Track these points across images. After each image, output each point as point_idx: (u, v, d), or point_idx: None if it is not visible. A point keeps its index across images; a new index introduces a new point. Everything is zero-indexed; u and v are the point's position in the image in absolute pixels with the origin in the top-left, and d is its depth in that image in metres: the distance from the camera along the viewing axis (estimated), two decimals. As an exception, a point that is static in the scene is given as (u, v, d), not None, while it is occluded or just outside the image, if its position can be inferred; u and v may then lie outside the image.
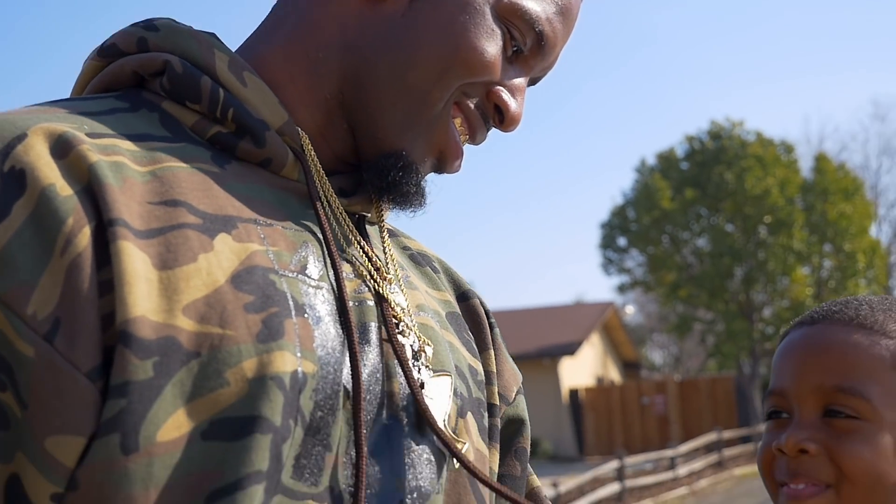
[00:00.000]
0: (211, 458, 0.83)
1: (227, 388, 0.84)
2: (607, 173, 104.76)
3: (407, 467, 0.98)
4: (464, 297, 1.28)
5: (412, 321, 1.06)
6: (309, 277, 0.95)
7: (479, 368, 1.20)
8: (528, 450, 1.29)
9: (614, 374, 38.31)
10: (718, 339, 33.65)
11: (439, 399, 1.04)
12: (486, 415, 1.16)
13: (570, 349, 32.17)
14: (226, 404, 0.84)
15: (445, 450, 1.00)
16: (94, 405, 0.81)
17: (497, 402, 1.21)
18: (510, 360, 1.31)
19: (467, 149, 1.12)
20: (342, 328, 0.95)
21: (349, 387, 0.94)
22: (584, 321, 34.66)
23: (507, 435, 1.25)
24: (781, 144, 33.24)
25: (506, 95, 1.07)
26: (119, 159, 0.89)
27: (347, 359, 0.94)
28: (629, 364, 41.07)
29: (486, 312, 1.29)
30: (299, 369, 0.88)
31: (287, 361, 0.87)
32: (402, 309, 1.05)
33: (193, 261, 0.87)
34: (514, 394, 1.28)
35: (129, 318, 0.81)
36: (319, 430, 0.91)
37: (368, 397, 0.96)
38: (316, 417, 0.90)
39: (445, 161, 1.10)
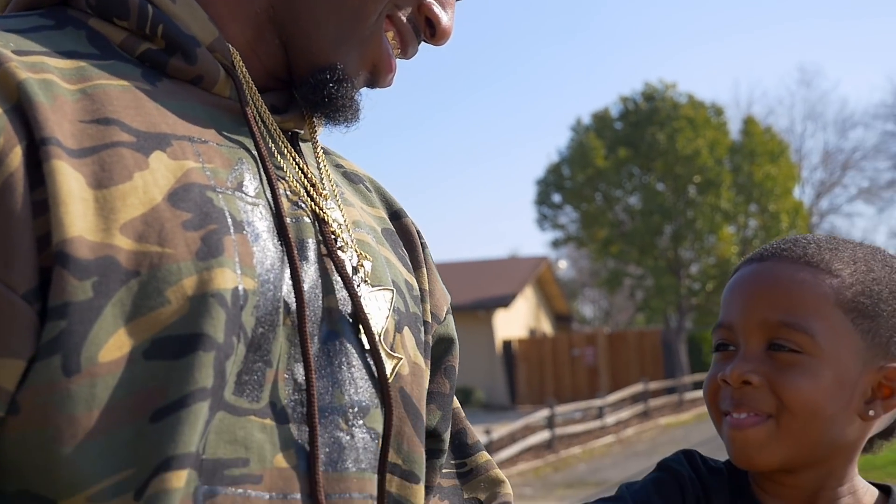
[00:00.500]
0: (154, 377, 0.81)
1: (167, 306, 0.82)
2: (544, 132, 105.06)
3: (347, 382, 0.97)
4: (396, 215, 1.26)
5: (350, 237, 1.04)
6: (245, 194, 0.93)
7: (415, 284, 1.18)
8: (457, 368, 1.28)
9: (546, 327, 38.64)
10: (647, 294, 34.10)
11: (377, 314, 1.02)
12: (422, 329, 1.15)
13: (505, 302, 32.34)
14: (167, 323, 0.82)
15: (376, 363, 0.99)
16: (32, 328, 0.78)
17: (429, 319, 1.20)
18: (440, 280, 1.29)
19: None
20: (281, 244, 0.93)
21: (290, 303, 0.92)
22: (519, 275, 34.84)
23: (437, 353, 1.23)
24: (712, 107, 33.51)
25: (437, 8, 1.04)
26: (48, 77, 0.85)
27: (287, 275, 0.92)
28: (561, 317, 41.44)
29: (418, 232, 1.28)
30: (240, 286, 0.86)
31: (227, 278, 0.85)
32: (340, 225, 1.03)
33: (129, 179, 0.84)
34: (444, 313, 1.26)
35: (65, 238, 0.78)
36: (260, 346, 0.89)
37: (308, 313, 0.94)
38: (257, 334, 0.88)
39: (379, 75, 1.07)
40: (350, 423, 0.96)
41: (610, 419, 22.50)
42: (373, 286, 1.03)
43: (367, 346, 0.99)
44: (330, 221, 1.01)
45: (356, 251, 1.03)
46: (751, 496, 1.25)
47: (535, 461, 18.15)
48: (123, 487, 0.79)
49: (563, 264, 48.44)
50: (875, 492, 1.24)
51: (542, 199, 35.16)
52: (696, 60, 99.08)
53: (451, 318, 1.29)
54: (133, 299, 0.81)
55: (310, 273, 0.96)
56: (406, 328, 1.09)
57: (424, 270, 1.24)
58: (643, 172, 33.12)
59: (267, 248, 0.91)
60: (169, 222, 0.84)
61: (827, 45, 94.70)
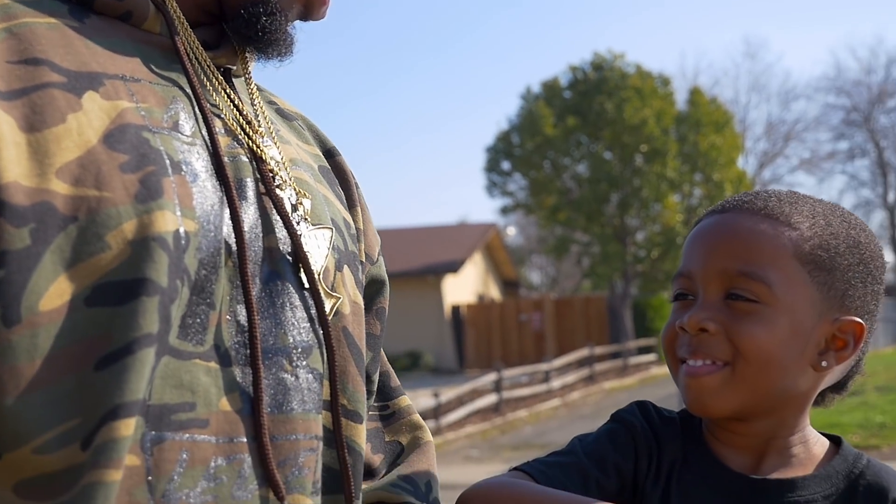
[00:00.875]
0: (97, 324, 0.79)
1: (108, 251, 0.79)
2: (494, 100, 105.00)
3: (290, 323, 0.95)
4: (330, 153, 1.24)
5: (288, 175, 1.02)
6: (182, 134, 0.90)
7: (353, 222, 1.17)
8: (387, 310, 1.27)
9: (494, 292, 38.82)
10: (593, 261, 34.32)
11: (317, 253, 1.01)
12: (360, 268, 1.15)
13: (454, 267, 32.40)
14: (108, 268, 0.79)
15: (316, 303, 0.97)
16: None
17: (363, 259, 1.19)
18: (372, 221, 1.27)
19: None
20: (220, 184, 0.91)
21: (231, 244, 0.90)
22: (468, 241, 34.91)
23: (369, 294, 1.22)
24: (659, 77, 33.64)
25: None
26: None
27: (227, 216, 0.90)
28: (509, 283, 41.66)
29: (351, 171, 1.25)
30: (181, 228, 0.84)
31: (168, 221, 0.83)
32: (277, 162, 1.01)
33: (62, 122, 0.81)
34: (377, 254, 1.25)
35: None
36: (204, 288, 0.87)
37: (249, 253, 0.92)
38: (200, 276, 0.86)
39: (312, 7, 1.05)
40: (294, 365, 0.94)
41: (556, 383, 22.72)
42: (312, 225, 1.02)
43: (307, 286, 0.97)
44: (267, 159, 0.99)
45: (295, 189, 1.01)
46: (703, 445, 1.25)
47: (483, 424, 18.28)
48: (69, 438, 0.77)
49: (511, 231, 48.64)
50: (826, 442, 1.26)
51: (492, 167, 35.15)
52: (644, 31, 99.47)
53: (382, 259, 1.27)
54: (72, 245, 0.79)
55: (249, 213, 0.94)
56: (346, 267, 1.08)
57: (359, 209, 1.22)
58: (591, 141, 33.21)
59: (206, 189, 0.89)
60: (106, 165, 0.81)
61: (772, 18, 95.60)
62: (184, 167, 0.87)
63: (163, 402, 0.82)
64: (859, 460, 1.22)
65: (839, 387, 1.28)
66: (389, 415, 1.25)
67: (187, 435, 0.84)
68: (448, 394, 18.41)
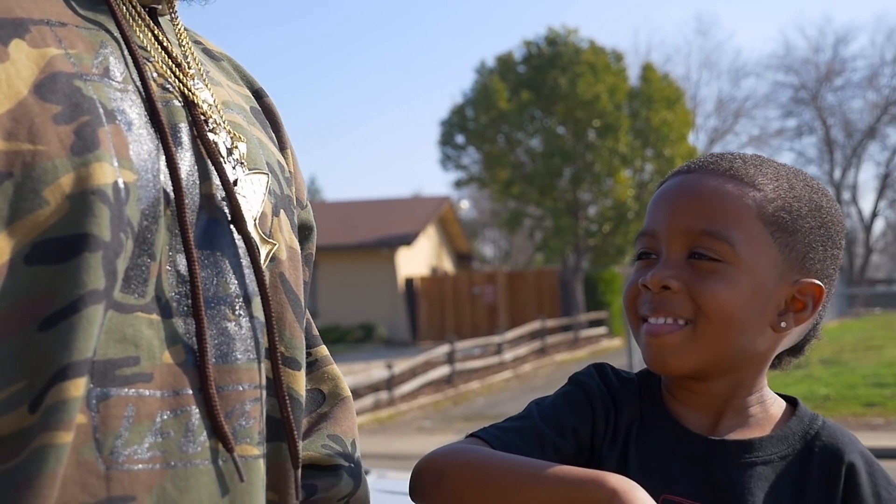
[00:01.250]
0: (39, 283, 0.76)
1: (46, 207, 0.76)
2: (450, 74, 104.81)
3: (230, 271, 0.92)
4: (258, 94, 1.20)
5: (221, 118, 0.98)
6: (113, 80, 0.86)
7: (286, 165, 1.14)
8: (314, 257, 1.25)
9: (448, 265, 38.86)
10: (546, 235, 34.49)
11: (253, 197, 0.98)
12: (295, 212, 1.12)
13: (407, 240, 32.36)
14: (47, 225, 0.76)
15: (249, 250, 0.94)
16: None
17: (295, 203, 1.16)
18: (299, 164, 1.24)
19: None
20: (155, 132, 0.87)
21: (169, 192, 0.87)
22: (422, 214, 34.87)
23: (298, 240, 1.18)
24: (612, 53, 33.71)
25: None
26: None
27: (163, 164, 0.87)
28: (462, 256, 41.72)
29: (278, 112, 1.22)
30: (119, 180, 0.81)
31: (107, 173, 0.79)
32: (210, 105, 0.98)
33: None
34: (305, 199, 1.22)
35: None
36: (145, 239, 0.84)
37: (187, 201, 0.89)
38: (143, 227, 0.84)
39: None
40: (237, 313, 0.91)
41: (508, 355, 22.83)
42: (249, 169, 0.99)
43: (246, 232, 0.94)
44: (199, 103, 0.95)
45: (229, 132, 0.98)
46: (662, 405, 1.26)
47: (436, 395, 18.32)
48: (16, 401, 0.74)
49: (465, 204, 48.62)
50: (783, 403, 1.27)
51: (446, 140, 35.07)
52: (597, 7, 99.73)
53: (310, 205, 1.24)
54: (8, 203, 0.75)
55: (186, 160, 0.91)
56: (282, 211, 1.05)
57: (289, 152, 1.20)
58: (545, 115, 33.25)
59: (141, 137, 0.85)
60: (38, 117, 0.78)
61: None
62: (118, 116, 0.84)
63: (107, 357, 0.80)
64: (815, 421, 1.23)
65: (796, 350, 1.29)
66: (311, 362, 1.23)
67: (132, 390, 0.81)
68: (401, 365, 18.47)
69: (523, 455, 1.14)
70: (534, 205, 34.07)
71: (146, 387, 0.82)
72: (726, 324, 1.15)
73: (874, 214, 50.56)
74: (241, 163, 0.98)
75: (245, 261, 0.94)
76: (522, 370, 22.33)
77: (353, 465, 1.17)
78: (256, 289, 0.94)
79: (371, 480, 3.10)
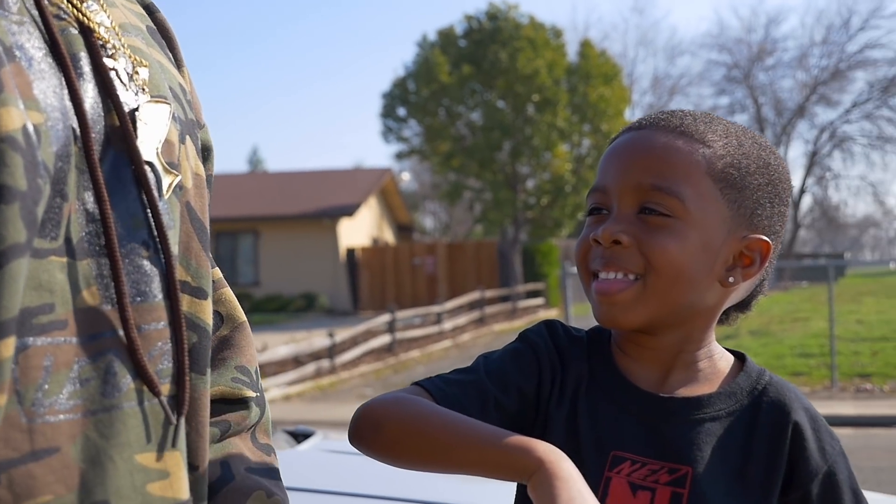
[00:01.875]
0: None
1: None
2: (394, 47, 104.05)
3: (139, 205, 0.87)
4: (149, 10, 1.12)
5: (120, 42, 0.91)
6: (7, 11, 0.78)
7: (187, 87, 1.08)
8: (213, 178, 1.18)
9: (389, 236, 38.75)
10: (485, 207, 34.56)
11: (155, 124, 0.91)
12: (199, 137, 1.06)
13: (349, 211, 32.19)
14: None
15: (141, 182, 0.87)
16: None
17: (198, 127, 1.10)
18: (193, 82, 1.17)
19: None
20: (56, 65, 0.81)
21: (76, 128, 0.81)
22: (363, 185, 34.68)
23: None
24: (551, 29, 33.72)
25: None
26: None
27: (66, 98, 0.81)
28: (403, 227, 41.64)
29: (171, 28, 1.14)
30: (28, 123, 0.74)
31: (14, 117, 0.73)
32: (107, 30, 0.90)
33: None
34: (202, 119, 1.15)
35: None
36: (59, 180, 0.79)
37: (94, 136, 0.83)
38: (58, 169, 0.78)
39: None
40: (150, 249, 0.86)
41: (447, 325, 22.89)
42: (151, 96, 0.92)
43: (155, 165, 0.89)
44: (96, 28, 0.88)
45: (130, 57, 0.92)
46: (611, 362, 1.25)
47: (376, 363, 18.32)
48: None
49: (406, 176, 48.50)
50: (731, 358, 1.27)
51: (388, 113, 34.87)
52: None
53: (207, 125, 1.17)
54: None
55: (89, 92, 0.84)
56: (188, 137, 0.99)
57: (186, 70, 1.13)
58: (485, 90, 33.18)
59: (44, 73, 0.79)
60: None
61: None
62: (17, 52, 0.77)
63: (24, 305, 0.74)
64: (762, 377, 1.24)
65: (743, 305, 1.29)
66: None
67: (49, 339, 0.76)
68: (343, 334, 18.41)
69: (464, 409, 1.13)
70: (474, 177, 34.06)
71: (62, 334, 0.78)
72: (675, 278, 1.15)
73: (802, 191, 51.51)
74: (143, 89, 0.91)
75: (155, 193, 0.88)
76: (461, 339, 22.41)
77: (259, 394, 1.15)
78: (168, 222, 0.89)
79: (316, 441, 3.11)
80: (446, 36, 33.86)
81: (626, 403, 1.20)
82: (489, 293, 26.93)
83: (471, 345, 21.95)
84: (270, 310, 29.92)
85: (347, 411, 12.51)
